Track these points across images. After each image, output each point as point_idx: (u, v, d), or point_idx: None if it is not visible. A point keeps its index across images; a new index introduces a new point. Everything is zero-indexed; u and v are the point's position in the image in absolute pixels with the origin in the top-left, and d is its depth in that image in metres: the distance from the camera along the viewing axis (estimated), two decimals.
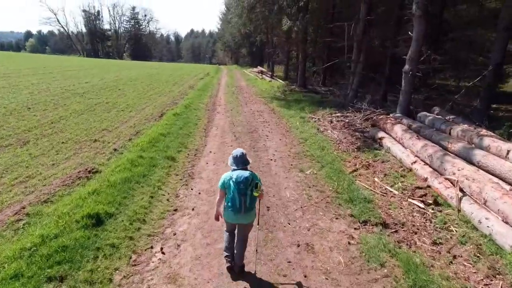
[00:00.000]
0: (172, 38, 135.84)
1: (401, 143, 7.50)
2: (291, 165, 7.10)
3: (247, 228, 3.47)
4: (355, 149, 8.13)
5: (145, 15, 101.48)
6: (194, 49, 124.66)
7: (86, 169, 5.91)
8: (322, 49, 23.63)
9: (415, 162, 6.38)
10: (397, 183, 6.11)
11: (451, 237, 4.40)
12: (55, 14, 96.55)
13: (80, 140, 7.83)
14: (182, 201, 5.39)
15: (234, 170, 3.27)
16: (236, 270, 3.49)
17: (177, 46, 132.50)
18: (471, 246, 4.13)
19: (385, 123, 8.71)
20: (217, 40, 79.97)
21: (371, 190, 5.89)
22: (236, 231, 3.51)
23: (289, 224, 4.74)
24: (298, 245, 4.21)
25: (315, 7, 15.79)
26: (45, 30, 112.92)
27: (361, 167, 7.01)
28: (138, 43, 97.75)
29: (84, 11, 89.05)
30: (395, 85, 14.96)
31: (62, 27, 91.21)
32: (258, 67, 36.79)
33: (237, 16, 18.14)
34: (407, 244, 4.31)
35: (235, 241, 3.50)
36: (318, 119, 11.58)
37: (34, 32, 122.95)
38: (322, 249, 4.15)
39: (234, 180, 3.13)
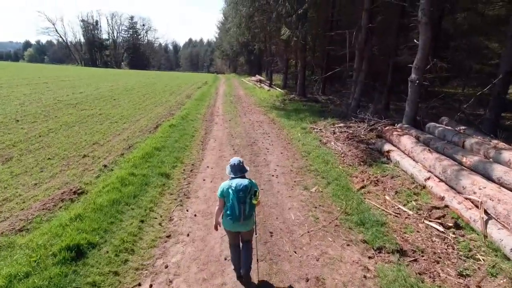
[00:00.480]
0: (171, 47, 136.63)
1: (411, 157, 7.04)
2: (295, 181, 6.61)
3: (248, 235, 3.49)
4: (362, 163, 7.66)
5: (143, 25, 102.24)
6: (192, 58, 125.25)
7: (71, 190, 5.39)
8: (322, 57, 23.43)
9: (428, 178, 5.91)
10: (411, 201, 5.63)
11: (479, 268, 3.90)
12: (53, 24, 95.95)
13: (68, 156, 7.32)
14: (176, 225, 4.88)
15: (232, 178, 3.30)
16: (244, 279, 3.51)
17: (176, 55, 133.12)
18: (504, 280, 3.64)
19: (392, 135, 8.27)
20: (215, 49, 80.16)
21: (382, 210, 5.41)
22: (240, 240, 3.55)
23: (296, 252, 4.22)
24: (307, 280, 3.70)
25: (314, 15, 15.53)
26: (44, 40, 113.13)
27: (370, 183, 6.53)
28: (136, 52, 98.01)
29: (82, 20, 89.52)
30: (397, 94, 14.68)
31: (60, 36, 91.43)
32: (257, 75, 36.57)
33: (236, 25, 17.92)
34: (430, 277, 3.81)
35: (241, 249, 3.55)
36: (320, 129, 11.14)
37: (33, 42, 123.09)
38: (335, 284, 3.64)
39: (233, 188, 3.14)
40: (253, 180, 3.39)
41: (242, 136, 10.20)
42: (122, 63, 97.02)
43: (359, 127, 10.62)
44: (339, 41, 18.16)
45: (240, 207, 3.14)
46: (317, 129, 11.24)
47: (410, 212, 5.29)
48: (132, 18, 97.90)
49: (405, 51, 12.98)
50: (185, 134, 10.02)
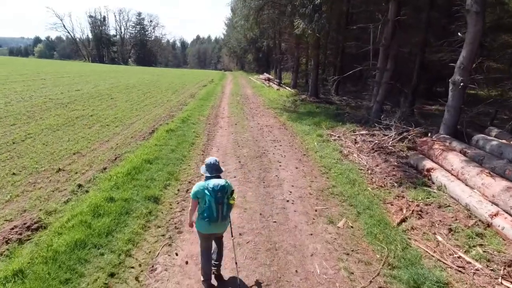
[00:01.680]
0: (178, 44, 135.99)
1: (462, 180, 5.60)
2: (315, 211, 5.22)
3: (221, 237, 3.49)
4: (395, 184, 6.24)
5: (151, 21, 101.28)
6: (200, 55, 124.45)
7: (25, 224, 4.11)
8: (335, 55, 21.90)
9: (495, 214, 4.47)
10: (474, 247, 4.20)
11: None
12: (61, 20, 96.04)
13: (39, 170, 6.06)
14: (159, 279, 3.56)
15: (207, 178, 3.17)
16: (216, 272, 3.47)
17: (183, 52, 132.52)
18: None
19: (432, 148, 6.81)
20: (223, 46, 78.93)
21: (438, 259, 4.00)
22: (214, 243, 3.48)
23: None
24: None
25: (331, 7, 14.01)
26: (53, 36, 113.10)
27: (411, 214, 5.11)
28: (143, 49, 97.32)
29: (90, 16, 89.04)
30: (422, 97, 13.14)
31: (68, 32, 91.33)
32: (265, 74, 35.13)
33: (243, 18, 16.46)
34: None
35: (213, 251, 3.49)
36: (339, 137, 9.71)
37: (43, 38, 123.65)
38: None
39: (210, 188, 3.01)
40: (228, 180, 3.29)
41: (249, 145, 8.83)
42: (129, 60, 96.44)
43: (385, 135, 9.16)
44: (355, 36, 16.68)
45: (218, 208, 3.02)
46: (335, 136, 9.82)
47: (479, 265, 3.87)
48: (139, 14, 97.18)
49: (435, 49, 11.45)
50: (184, 141, 8.70)
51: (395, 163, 7.35)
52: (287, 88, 23.27)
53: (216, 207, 3.01)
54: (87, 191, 5.31)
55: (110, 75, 29.47)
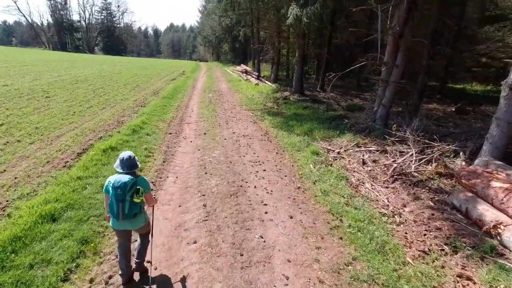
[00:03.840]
0: (151, 32, 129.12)
1: None
2: None
3: (139, 231, 3.24)
4: (446, 247, 4.00)
5: (118, 6, 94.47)
6: (174, 44, 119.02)
7: None
8: (320, 45, 19.58)
9: None
10: None
11: None
12: (15, 2, 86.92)
13: None
14: None
15: (119, 173, 3.01)
16: (136, 270, 3.34)
17: (156, 41, 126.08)
18: None
19: (489, 186, 4.62)
20: (197, 35, 74.62)
21: None
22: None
23: None
24: None
25: None
26: (11, 20, 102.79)
27: None
28: (111, 37, 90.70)
29: None
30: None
31: (24, 15, 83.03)
32: (242, 65, 32.30)
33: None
34: None
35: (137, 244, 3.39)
36: (339, 154, 7.42)
37: None
38: None
39: (111, 184, 2.89)
40: (144, 177, 3.14)
41: (221, 170, 6.29)
42: (96, 48, 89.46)
43: (401, 153, 6.95)
44: (353, 21, 14.39)
45: (118, 204, 2.88)
46: (335, 152, 7.51)
47: None
48: None
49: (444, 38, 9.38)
50: None
51: (430, 202, 5.14)
52: (267, 82, 20.74)
53: (116, 204, 2.89)
54: None
55: (62, 65, 25.41)
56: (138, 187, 2.95)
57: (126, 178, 2.89)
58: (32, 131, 7.64)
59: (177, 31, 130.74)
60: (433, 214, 4.76)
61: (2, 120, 8.14)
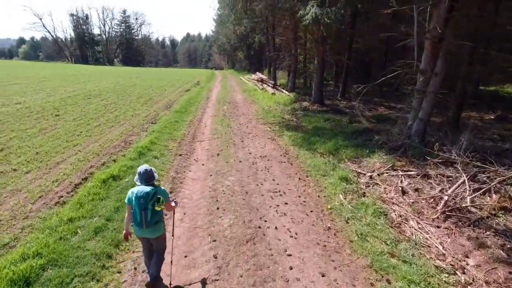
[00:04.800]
0: (168, 42, 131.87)
1: None
2: None
3: (156, 242, 3.41)
4: None
5: (137, 19, 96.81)
6: (190, 53, 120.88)
7: None
8: (339, 50, 18.48)
9: None
10: None
11: None
12: (40, 19, 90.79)
13: None
14: None
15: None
16: (151, 281, 3.32)
17: (173, 51, 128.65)
18: None
19: None
20: (212, 44, 75.05)
21: None
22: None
23: None
24: None
25: None
26: (38, 36, 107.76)
27: None
28: (130, 48, 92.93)
29: (71, 15, 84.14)
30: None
31: (48, 31, 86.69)
32: (257, 73, 31.58)
33: (230, 7, 12.95)
34: None
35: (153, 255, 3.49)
36: (372, 178, 6.37)
37: (27, 38, 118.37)
38: None
39: (134, 195, 3.10)
40: (162, 187, 3.37)
41: (235, 205, 5.40)
42: (115, 60, 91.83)
43: (448, 178, 5.82)
44: (378, 26, 13.28)
45: (141, 213, 3.10)
46: (366, 176, 6.47)
47: None
48: (124, 11, 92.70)
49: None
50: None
51: (502, 252, 4.02)
52: (283, 91, 19.82)
53: (139, 213, 3.09)
54: None
55: (79, 79, 25.57)
56: (158, 196, 3.15)
57: (148, 188, 3.12)
58: (32, 157, 7.06)
59: (193, 40, 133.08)
60: (510, 273, 3.65)
61: (3, 145, 7.64)
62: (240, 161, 7.56)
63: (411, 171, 6.44)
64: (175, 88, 22.83)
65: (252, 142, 9.19)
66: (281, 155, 8.10)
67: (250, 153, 8.22)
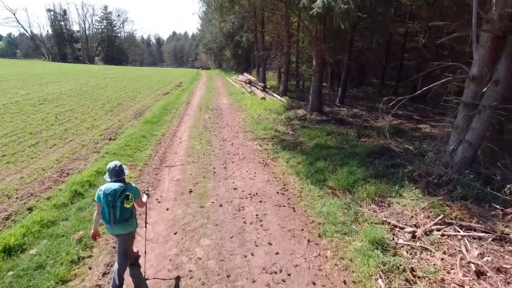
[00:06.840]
0: (154, 40, 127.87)
1: None
2: None
3: (124, 240, 3.28)
4: None
5: (119, 15, 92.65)
6: (177, 52, 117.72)
7: None
8: (337, 49, 16.40)
9: None
10: None
11: None
12: (13, 14, 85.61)
13: None
14: None
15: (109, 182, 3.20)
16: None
17: (159, 49, 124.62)
18: None
19: None
20: (198, 42, 72.26)
21: None
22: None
23: None
24: None
25: None
26: (16, 33, 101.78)
27: None
28: (112, 46, 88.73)
29: (49, 10, 79.53)
30: None
31: (23, 27, 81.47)
32: (245, 74, 29.31)
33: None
34: None
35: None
36: (414, 237, 4.23)
37: (4, 35, 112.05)
38: None
39: (102, 192, 3.07)
40: (132, 184, 3.29)
41: None
42: (96, 58, 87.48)
43: None
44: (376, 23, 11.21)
45: (110, 210, 3.05)
46: (404, 232, 4.32)
47: None
48: (105, 7, 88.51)
49: None
50: None
51: None
52: (275, 95, 17.61)
53: (108, 210, 3.05)
54: None
55: (44, 79, 22.53)
56: (127, 193, 3.10)
57: (116, 185, 3.08)
58: None
59: (179, 39, 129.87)
60: None
61: None
62: (220, 205, 5.28)
63: (474, 227, 4.33)
64: (153, 90, 20.25)
65: (238, 170, 6.91)
66: (278, 192, 5.85)
67: (235, 188, 5.95)
